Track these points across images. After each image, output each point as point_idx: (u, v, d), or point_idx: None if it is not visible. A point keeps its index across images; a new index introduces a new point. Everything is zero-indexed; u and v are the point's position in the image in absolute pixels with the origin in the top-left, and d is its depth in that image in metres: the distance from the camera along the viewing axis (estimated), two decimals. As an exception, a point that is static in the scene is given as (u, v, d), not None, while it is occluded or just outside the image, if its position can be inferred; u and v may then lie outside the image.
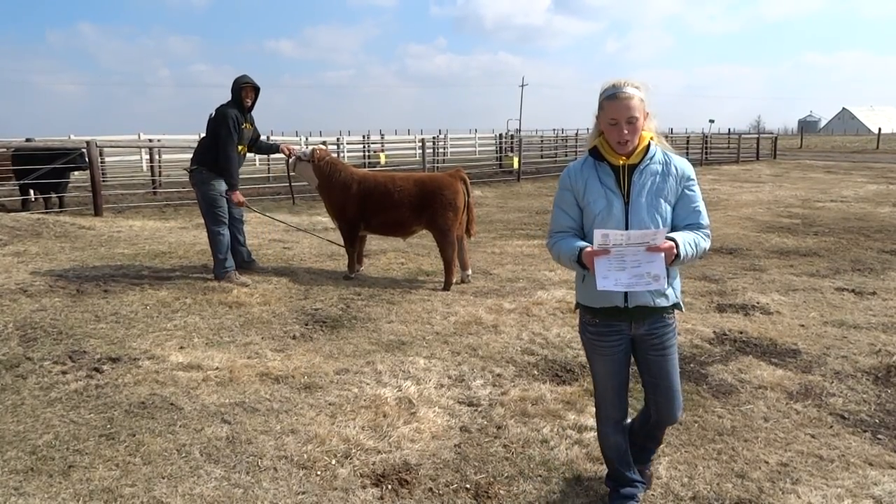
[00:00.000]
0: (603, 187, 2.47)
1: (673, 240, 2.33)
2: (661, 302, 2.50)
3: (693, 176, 2.51)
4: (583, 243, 2.45)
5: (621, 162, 2.47)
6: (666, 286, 2.42)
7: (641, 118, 2.41)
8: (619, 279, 2.33)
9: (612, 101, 2.40)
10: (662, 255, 2.30)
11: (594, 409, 2.83)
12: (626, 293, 2.46)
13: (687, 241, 2.38)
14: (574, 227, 2.56)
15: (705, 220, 2.50)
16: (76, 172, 12.32)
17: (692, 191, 2.50)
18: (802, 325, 5.35)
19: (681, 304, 2.61)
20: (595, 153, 2.53)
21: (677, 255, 2.33)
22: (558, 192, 2.62)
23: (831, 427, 3.61)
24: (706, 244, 2.47)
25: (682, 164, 2.50)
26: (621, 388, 2.69)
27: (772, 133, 48.22)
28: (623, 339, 2.60)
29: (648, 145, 2.47)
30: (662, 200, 2.45)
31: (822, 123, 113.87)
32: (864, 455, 3.29)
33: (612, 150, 2.47)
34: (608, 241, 2.32)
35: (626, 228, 2.41)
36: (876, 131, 47.04)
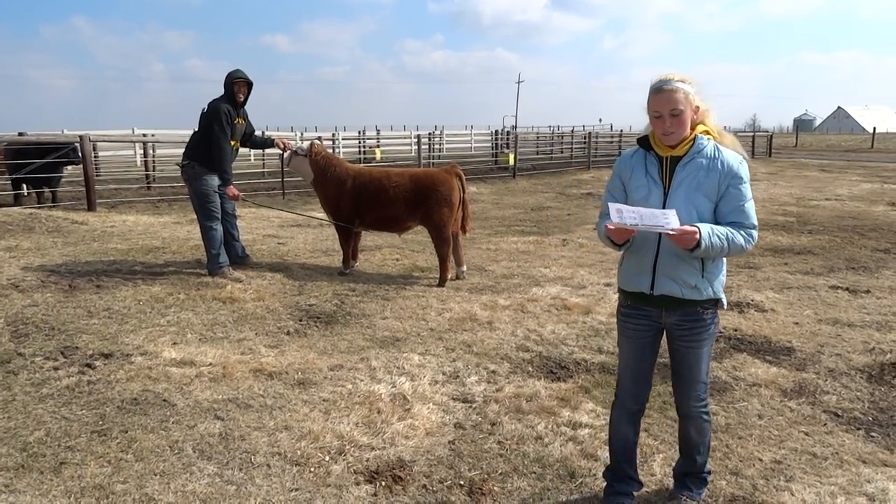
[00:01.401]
0: (647, 176, 2.53)
1: (696, 228, 2.34)
2: (691, 295, 2.50)
3: (742, 174, 2.47)
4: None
5: (667, 153, 2.50)
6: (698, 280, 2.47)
7: (687, 111, 2.42)
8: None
9: (657, 95, 2.44)
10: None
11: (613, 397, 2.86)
12: (652, 282, 2.52)
13: (715, 232, 2.38)
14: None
15: (750, 219, 2.48)
16: (69, 167, 12.24)
17: (738, 189, 2.47)
18: (797, 323, 5.35)
19: (722, 299, 2.59)
20: (645, 143, 2.57)
21: (698, 244, 2.33)
22: (611, 177, 2.70)
23: (825, 425, 3.61)
24: (744, 242, 2.44)
25: (732, 162, 2.47)
26: (641, 377, 2.70)
27: (767, 131, 48.29)
28: (651, 326, 2.62)
29: (695, 139, 2.48)
30: (702, 195, 2.45)
31: (818, 122, 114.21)
32: (858, 452, 3.30)
33: (660, 142, 2.51)
34: (622, 218, 2.37)
35: None
36: (871, 130, 47.16)
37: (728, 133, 2.60)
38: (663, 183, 2.50)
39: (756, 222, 2.51)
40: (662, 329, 2.65)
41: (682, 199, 2.45)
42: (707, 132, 2.52)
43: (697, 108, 2.47)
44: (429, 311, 5.49)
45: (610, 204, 2.40)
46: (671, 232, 2.32)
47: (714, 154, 2.48)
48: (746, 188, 2.50)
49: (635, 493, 2.83)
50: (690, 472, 2.83)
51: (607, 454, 3.17)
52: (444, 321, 5.25)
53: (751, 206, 2.49)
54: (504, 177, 19.04)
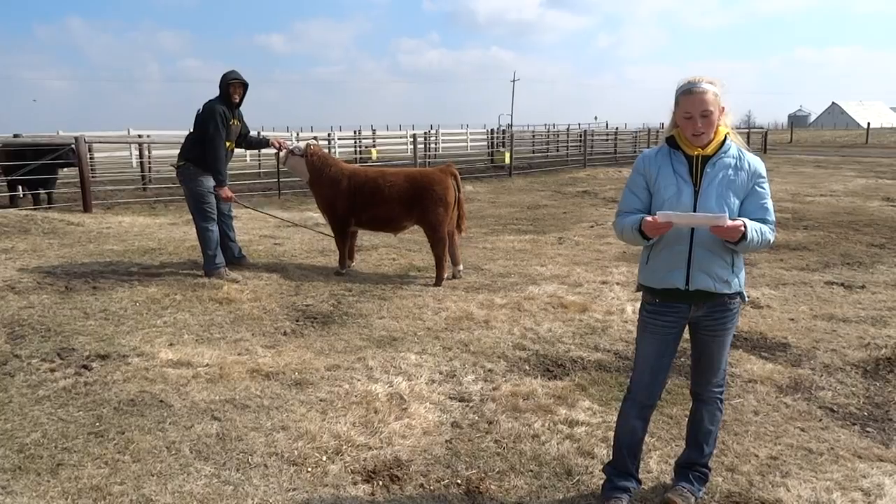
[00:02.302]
0: (675, 175, 2.58)
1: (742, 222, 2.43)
2: (723, 289, 2.57)
3: (764, 174, 2.60)
4: (645, 215, 2.55)
5: (696, 152, 2.55)
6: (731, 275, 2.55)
7: (716, 112, 2.50)
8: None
9: (687, 97, 2.50)
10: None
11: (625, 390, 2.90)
12: (688, 278, 2.55)
13: (754, 227, 2.47)
14: (641, 210, 2.66)
15: (772, 216, 2.59)
16: (65, 168, 12.21)
17: (762, 188, 2.58)
18: (792, 319, 5.37)
19: (744, 293, 2.67)
20: (672, 142, 2.62)
21: (744, 236, 2.42)
22: (631, 175, 2.72)
23: (821, 420, 3.63)
24: (771, 237, 2.55)
25: (755, 161, 2.59)
26: (658, 373, 2.74)
27: (762, 128, 48.38)
28: (679, 321, 2.67)
29: (724, 139, 2.56)
30: (732, 193, 2.53)
31: (812, 118, 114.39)
32: (853, 448, 3.32)
33: (688, 141, 2.56)
34: (671, 219, 2.44)
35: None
36: (865, 126, 47.30)
37: (739, 137, 2.68)
38: (693, 181, 2.55)
39: (775, 219, 2.62)
40: (685, 325, 2.71)
41: (714, 196, 2.52)
42: (728, 133, 2.60)
43: (723, 108, 2.54)
44: (425, 311, 5.50)
45: (659, 214, 2.45)
46: (724, 224, 2.39)
47: (739, 154, 2.58)
48: (768, 186, 2.62)
49: (633, 490, 2.83)
50: (695, 464, 2.86)
51: (604, 451, 3.20)
52: (441, 320, 5.25)
53: (771, 204, 2.61)
54: (500, 175, 19.06)
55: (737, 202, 2.55)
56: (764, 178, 2.58)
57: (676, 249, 2.56)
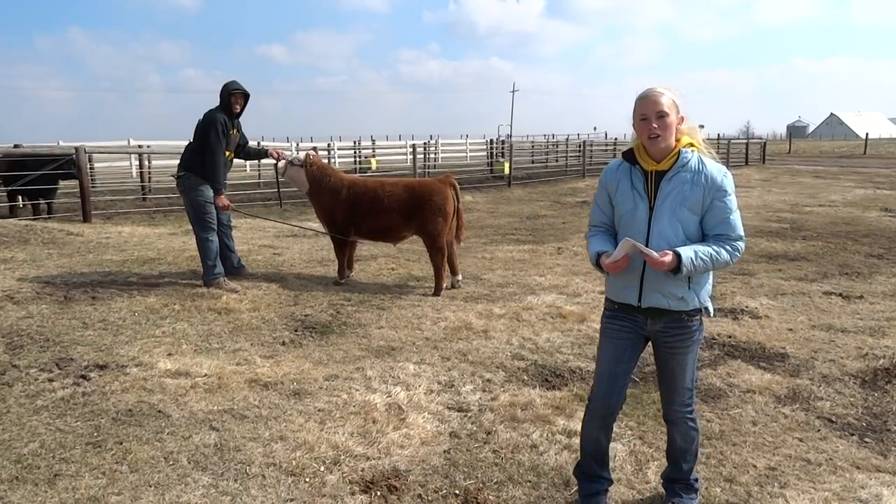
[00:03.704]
0: (632, 190, 2.56)
1: (677, 255, 2.40)
2: (678, 306, 2.54)
3: (726, 187, 2.51)
4: (602, 249, 2.59)
5: (652, 168, 2.53)
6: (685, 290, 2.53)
7: (672, 116, 2.47)
8: None
9: (642, 100, 2.50)
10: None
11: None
12: (640, 296, 2.55)
13: (695, 254, 2.42)
14: (607, 224, 2.69)
15: (735, 231, 2.51)
16: (65, 180, 12.23)
17: (723, 202, 2.50)
18: (791, 329, 5.38)
19: (709, 308, 2.63)
20: (630, 157, 2.60)
21: (679, 269, 2.39)
22: (598, 188, 2.73)
23: (819, 431, 3.63)
24: (728, 257, 2.49)
25: (716, 175, 2.50)
26: (616, 379, 2.69)
27: (761, 138, 48.52)
28: (636, 329, 2.65)
29: (680, 153, 2.51)
30: (686, 210, 2.49)
31: (811, 129, 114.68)
32: (852, 458, 3.31)
33: (646, 156, 2.54)
34: (618, 258, 2.49)
35: (648, 231, 2.51)
36: (863, 136, 47.44)
37: (711, 150, 2.62)
38: (649, 197, 2.53)
39: (742, 233, 2.55)
40: (645, 337, 2.68)
41: (667, 213, 2.49)
42: (691, 145, 2.54)
43: (682, 118, 2.51)
44: (424, 321, 5.50)
45: (603, 263, 2.52)
46: (646, 252, 2.41)
47: (698, 167, 2.50)
48: (731, 200, 2.53)
49: (608, 490, 2.86)
50: (678, 479, 2.86)
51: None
52: (440, 330, 5.26)
53: (736, 218, 2.53)
54: (499, 185, 19.09)
55: (694, 218, 2.50)
56: (726, 191, 2.49)
57: (631, 267, 2.54)
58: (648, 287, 2.54)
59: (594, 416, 2.75)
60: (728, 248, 2.49)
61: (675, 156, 2.50)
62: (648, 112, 2.46)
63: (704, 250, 2.45)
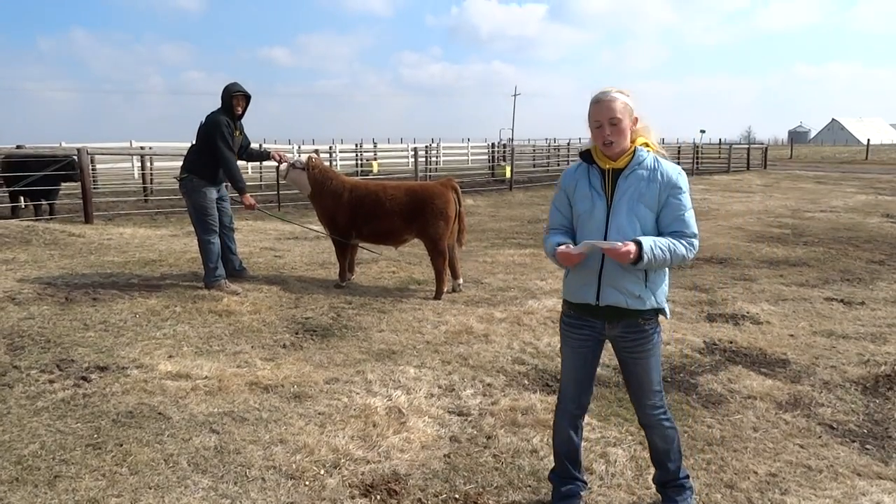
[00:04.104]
0: (590, 189, 2.60)
1: (638, 243, 2.42)
2: (635, 304, 2.57)
3: (681, 185, 2.56)
4: (562, 241, 2.61)
5: (608, 166, 2.57)
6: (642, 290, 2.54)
7: (626, 121, 2.51)
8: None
9: (595, 105, 2.54)
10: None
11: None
12: (598, 293, 2.57)
13: (655, 245, 2.44)
14: (566, 225, 2.71)
15: (690, 228, 2.55)
16: (66, 182, 12.24)
17: (678, 199, 2.55)
18: (792, 335, 5.37)
19: (665, 309, 2.65)
20: (587, 157, 2.64)
21: (640, 258, 2.41)
22: (556, 191, 2.76)
23: (820, 437, 3.62)
24: (685, 251, 2.52)
25: (671, 173, 2.55)
26: (582, 383, 2.78)
27: (762, 143, 48.55)
28: (593, 336, 2.69)
29: (635, 151, 2.56)
30: (643, 206, 2.53)
31: (812, 134, 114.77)
32: (853, 465, 3.31)
33: (602, 155, 2.58)
34: (571, 252, 2.50)
35: (606, 228, 2.54)
36: (865, 142, 47.47)
37: (658, 144, 2.67)
38: (606, 195, 2.57)
39: (696, 231, 2.58)
40: (604, 340, 2.72)
41: (624, 210, 2.53)
42: (647, 145, 2.60)
43: (636, 119, 2.56)
44: (425, 324, 5.50)
45: (558, 249, 2.53)
46: (607, 247, 2.42)
47: (654, 165, 2.56)
48: (686, 198, 2.58)
49: (582, 494, 2.89)
50: (668, 482, 2.86)
51: (603, 467, 3.20)
52: (441, 334, 5.25)
53: (690, 216, 2.58)
54: (501, 189, 19.10)
55: (650, 214, 2.54)
56: (680, 189, 2.55)
57: (589, 265, 2.58)
58: (606, 283, 2.56)
59: (564, 416, 2.83)
60: (684, 242, 2.52)
61: (631, 154, 2.56)
62: (602, 119, 2.51)
63: (663, 241, 2.49)
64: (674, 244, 2.49)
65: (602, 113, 2.50)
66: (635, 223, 2.51)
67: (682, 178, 2.57)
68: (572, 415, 2.82)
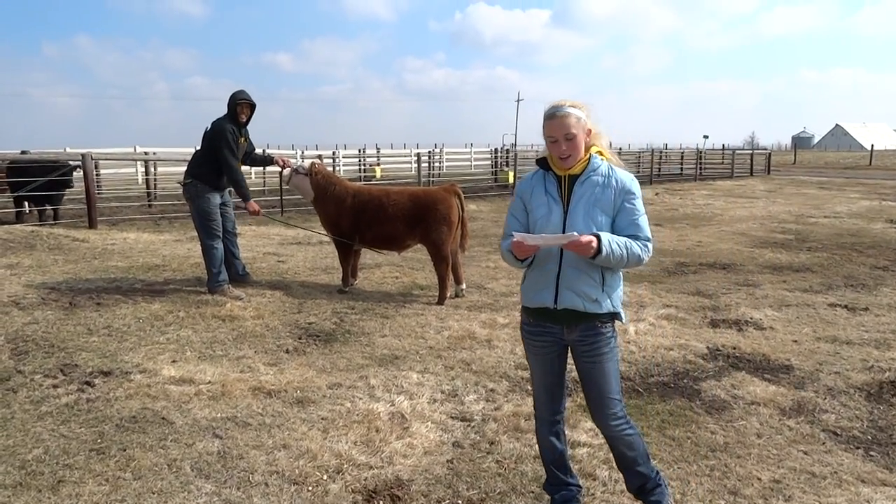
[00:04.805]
0: (546, 195, 2.65)
1: (597, 236, 2.44)
2: (592, 308, 2.59)
3: (634, 190, 2.61)
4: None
5: (564, 173, 2.62)
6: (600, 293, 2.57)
7: (580, 134, 2.57)
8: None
9: (550, 121, 2.58)
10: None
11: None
12: (556, 296, 2.59)
13: (612, 240, 2.48)
14: (521, 232, 2.70)
15: (644, 232, 2.60)
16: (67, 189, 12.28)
17: (632, 204, 2.60)
18: (795, 341, 5.36)
19: (621, 314, 2.68)
20: (543, 164, 2.70)
21: (599, 250, 2.43)
22: (514, 200, 2.79)
23: (824, 443, 3.61)
24: (640, 252, 2.55)
25: (625, 179, 2.61)
26: (552, 389, 2.79)
27: (766, 149, 48.54)
28: (555, 342, 2.70)
29: (590, 158, 2.61)
30: (599, 211, 2.57)
31: (816, 140, 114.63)
32: (857, 472, 3.29)
33: (559, 161, 2.63)
34: (526, 240, 2.48)
35: (563, 232, 2.56)
36: (869, 147, 47.41)
37: (616, 156, 2.71)
38: (563, 200, 2.61)
39: (650, 236, 2.62)
40: (567, 345, 2.72)
41: (581, 214, 2.57)
42: (600, 153, 2.65)
43: (590, 130, 2.60)
44: (428, 330, 5.50)
45: (515, 234, 2.53)
46: (568, 240, 2.43)
47: (608, 172, 2.61)
48: (639, 203, 2.63)
49: (579, 497, 2.88)
50: (643, 485, 2.83)
51: (606, 473, 3.19)
52: (443, 339, 5.26)
53: (644, 221, 2.62)
54: (503, 195, 19.10)
55: (606, 219, 2.57)
56: (634, 194, 2.59)
57: (547, 268, 2.61)
58: (564, 286, 2.58)
59: (543, 424, 2.85)
60: (639, 244, 2.56)
61: (587, 161, 2.61)
62: (557, 135, 2.55)
63: (620, 238, 2.52)
64: (630, 243, 2.53)
65: (556, 129, 2.54)
66: (591, 227, 2.54)
67: (634, 185, 2.63)
68: (549, 421, 2.84)
